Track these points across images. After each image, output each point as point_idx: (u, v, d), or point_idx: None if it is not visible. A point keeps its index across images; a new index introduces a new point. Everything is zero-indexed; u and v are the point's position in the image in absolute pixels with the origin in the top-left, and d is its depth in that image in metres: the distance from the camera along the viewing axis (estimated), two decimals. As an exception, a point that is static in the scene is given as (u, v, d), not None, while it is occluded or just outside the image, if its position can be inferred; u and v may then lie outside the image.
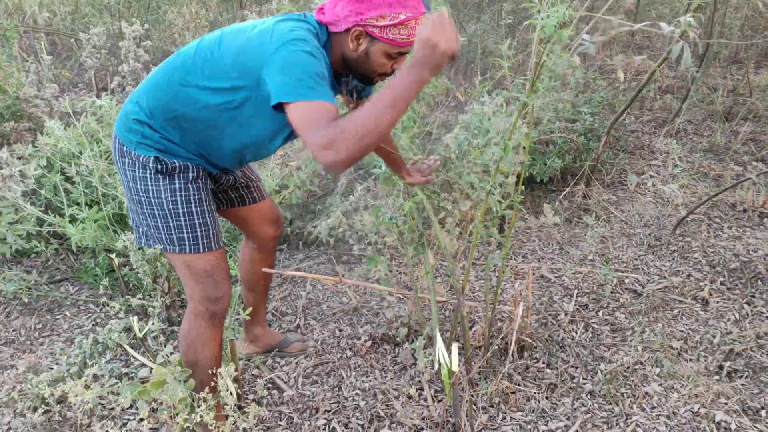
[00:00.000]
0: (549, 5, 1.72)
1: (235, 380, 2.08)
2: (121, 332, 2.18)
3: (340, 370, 2.37)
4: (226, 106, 1.65)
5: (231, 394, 1.79)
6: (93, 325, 2.66)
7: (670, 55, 1.76)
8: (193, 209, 1.76)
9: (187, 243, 1.77)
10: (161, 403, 1.70)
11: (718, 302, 2.72)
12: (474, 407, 2.14)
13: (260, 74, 1.54)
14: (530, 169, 3.53)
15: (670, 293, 2.80)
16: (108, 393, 1.90)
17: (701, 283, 2.85)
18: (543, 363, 2.37)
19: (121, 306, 2.08)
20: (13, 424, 2.04)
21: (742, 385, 2.24)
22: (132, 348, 2.31)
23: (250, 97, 1.61)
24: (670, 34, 1.53)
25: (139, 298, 2.26)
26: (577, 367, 2.35)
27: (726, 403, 2.15)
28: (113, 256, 2.45)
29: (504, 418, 2.12)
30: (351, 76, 1.78)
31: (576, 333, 2.54)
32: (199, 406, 1.69)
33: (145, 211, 1.77)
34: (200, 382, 1.84)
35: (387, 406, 2.18)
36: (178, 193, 1.74)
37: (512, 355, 2.32)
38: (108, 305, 2.07)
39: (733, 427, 2.05)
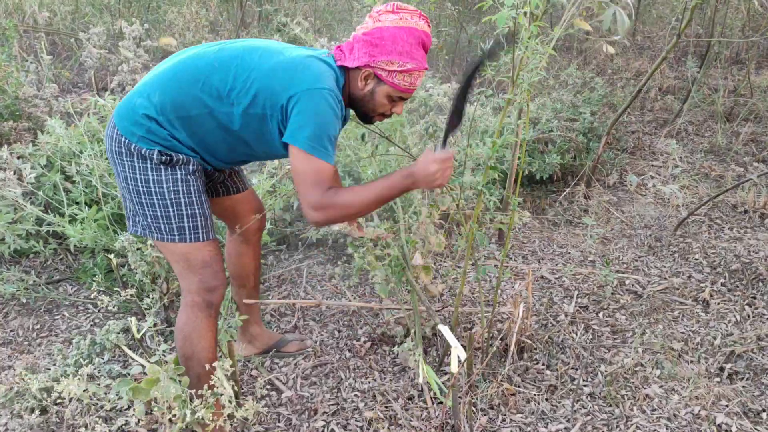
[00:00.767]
0: None
1: (233, 379, 2.08)
2: (119, 333, 2.17)
3: (339, 371, 2.36)
4: (240, 119, 1.73)
5: (225, 387, 1.78)
6: (91, 325, 2.65)
7: (601, 24, 1.79)
8: (194, 199, 1.79)
9: (187, 232, 1.79)
10: (157, 401, 1.69)
11: (719, 304, 2.71)
12: (473, 409, 2.13)
13: (283, 103, 1.68)
14: (529, 166, 3.52)
15: (671, 294, 2.79)
16: (105, 393, 1.89)
17: (702, 285, 2.84)
18: (543, 364, 2.36)
19: (112, 301, 2.07)
20: (10, 425, 2.03)
21: (743, 387, 2.23)
22: (130, 348, 2.30)
23: (266, 116, 1.72)
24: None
25: (133, 295, 2.25)
26: (577, 369, 2.34)
27: (727, 406, 2.14)
28: (111, 256, 2.45)
29: (504, 419, 2.11)
30: None
31: (576, 334, 2.53)
32: (193, 403, 1.69)
33: (144, 201, 1.77)
34: (197, 376, 1.84)
35: (386, 407, 2.17)
36: (180, 183, 1.76)
37: (512, 357, 2.31)
38: (100, 301, 2.05)
39: (734, 429, 2.04)
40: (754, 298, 2.74)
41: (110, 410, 2.08)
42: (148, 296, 2.47)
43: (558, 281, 2.91)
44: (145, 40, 3.84)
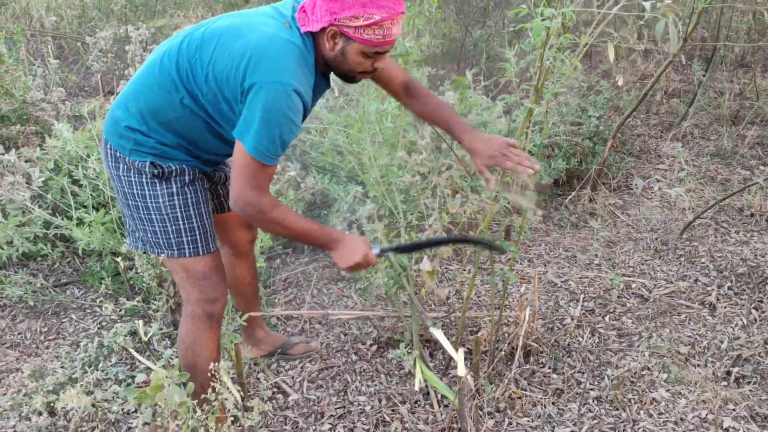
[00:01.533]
0: (543, 5, 1.72)
1: (240, 384, 2.08)
2: (126, 336, 2.18)
3: (345, 374, 2.37)
4: (214, 111, 1.66)
5: (231, 392, 1.78)
6: (98, 328, 2.66)
7: (654, 32, 1.75)
8: (191, 212, 1.76)
9: (186, 247, 1.77)
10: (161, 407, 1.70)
11: (725, 307, 2.70)
12: (480, 412, 2.13)
13: (238, 94, 1.57)
14: (535, 172, 3.51)
15: (677, 298, 2.78)
16: (110, 398, 1.90)
17: (708, 288, 2.84)
18: (549, 368, 2.36)
19: (120, 308, 2.07)
20: (18, 428, 2.03)
21: (750, 391, 2.22)
22: (137, 352, 2.31)
23: (230, 102, 1.62)
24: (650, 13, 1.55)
25: (140, 301, 2.26)
26: (583, 373, 2.34)
27: (734, 409, 2.14)
28: (119, 259, 2.46)
29: (510, 423, 2.11)
30: None
31: (582, 338, 2.53)
32: (196, 411, 1.69)
33: (142, 216, 1.75)
34: (200, 385, 1.83)
35: (393, 411, 2.17)
36: (175, 198, 1.73)
37: (518, 360, 2.30)
38: (103, 306, 2.06)
39: (741, 433, 2.04)
40: (761, 301, 2.73)
41: (117, 414, 2.09)
42: (155, 299, 2.48)
43: (564, 285, 2.91)
44: (151, 44, 3.86)
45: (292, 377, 2.36)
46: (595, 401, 2.20)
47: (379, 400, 2.22)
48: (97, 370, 2.16)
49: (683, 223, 3.35)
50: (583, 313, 2.68)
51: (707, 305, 2.73)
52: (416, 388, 1.85)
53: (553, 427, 2.09)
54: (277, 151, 1.58)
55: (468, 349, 2.41)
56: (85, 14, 6.06)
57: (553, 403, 2.19)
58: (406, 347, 2.18)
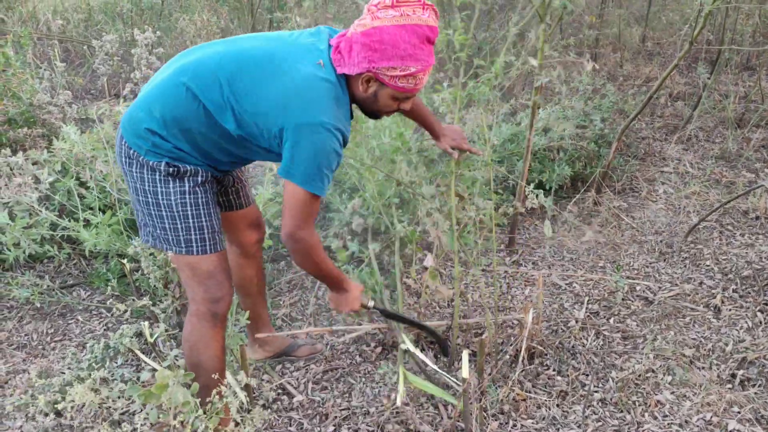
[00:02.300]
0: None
1: (245, 386, 2.09)
2: (132, 337, 2.19)
3: (349, 376, 2.37)
4: (238, 134, 1.72)
5: (236, 395, 1.79)
6: (105, 329, 2.67)
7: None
8: (201, 211, 1.79)
9: (194, 245, 1.79)
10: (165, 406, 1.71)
11: (730, 310, 2.70)
12: (484, 414, 2.13)
13: (276, 132, 1.65)
14: (540, 176, 3.52)
15: (682, 301, 2.78)
16: (117, 397, 1.90)
17: (713, 291, 2.83)
18: (554, 370, 2.36)
19: (128, 308, 2.09)
20: (25, 428, 2.05)
21: (755, 393, 2.22)
22: (143, 353, 2.32)
23: (262, 132, 1.69)
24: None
25: (147, 303, 2.27)
26: (588, 375, 2.34)
27: (739, 412, 2.13)
28: (125, 261, 2.47)
29: (514, 425, 2.11)
30: None
31: (587, 340, 2.53)
32: (199, 412, 1.69)
33: (152, 212, 1.78)
34: (204, 385, 1.84)
35: (397, 412, 2.17)
36: (187, 196, 1.76)
37: (523, 362, 2.31)
38: (114, 307, 2.08)
39: (746, 436, 2.03)
40: (766, 304, 2.72)
41: (122, 414, 2.10)
42: (160, 301, 2.50)
43: (568, 287, 2.91)
44: (157, 48, 3.88)
45: (297, 379, 2.37)
46: (600, 403, 2.20)
47: (383, 402, 2.22)
48: (104, 368, 2.18)
49: (688, 226, 3.35)
50: (588, 316, 2.68)
51: (712, 308, 2.72)
52: (398, 403, 1.86)
53: (558, 429, 2.09)
54: (324, 180, 1.69)
55: (473, 351, 2.41)
56: (92, 18, 6.09)
57: (557, 405, 2.19)
58: (384, 364, 2.25)
